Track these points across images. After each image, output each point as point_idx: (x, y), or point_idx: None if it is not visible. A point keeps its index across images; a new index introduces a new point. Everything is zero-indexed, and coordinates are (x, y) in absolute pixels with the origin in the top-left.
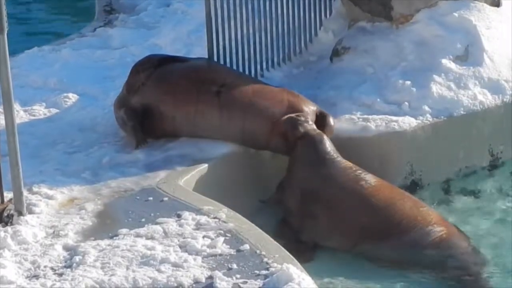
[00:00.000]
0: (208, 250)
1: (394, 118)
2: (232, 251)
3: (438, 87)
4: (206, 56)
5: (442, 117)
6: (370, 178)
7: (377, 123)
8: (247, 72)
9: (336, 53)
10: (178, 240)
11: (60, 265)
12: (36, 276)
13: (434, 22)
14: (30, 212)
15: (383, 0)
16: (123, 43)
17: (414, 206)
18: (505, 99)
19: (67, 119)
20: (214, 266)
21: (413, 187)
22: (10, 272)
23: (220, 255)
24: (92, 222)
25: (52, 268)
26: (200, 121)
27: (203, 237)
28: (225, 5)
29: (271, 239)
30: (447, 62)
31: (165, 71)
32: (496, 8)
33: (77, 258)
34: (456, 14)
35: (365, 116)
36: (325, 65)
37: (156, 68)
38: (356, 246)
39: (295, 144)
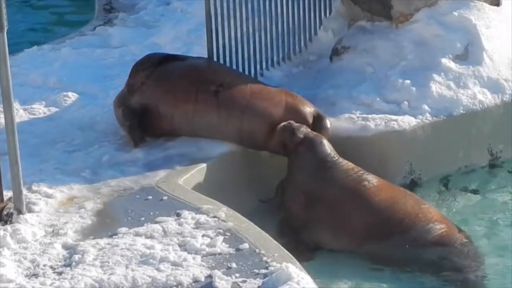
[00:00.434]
0: (207, 249)
1: (393, 117)
2: (231, 250)
3: (437, 86)
4: (206, 55)
5: (442, 116)
6: (371, 178)
7: (376, 122)
8: (246, 71)
9: (335, 53)
10: (178, 239)
11: (60, 264)
12: (36, 275)
13: (434, 21)
14: (30, 210)
15: None
16: (123, 42)
17: (416, 204)
18: (504, 99)
19: (66, 117)
20: (213, 265)
21: (412, 186)
22: (9, 271)
23: (219, 254)
24: (91, 221)
25: (51, 267)
26: (198, 120)
27: (203, 236)
28: (224, 4)
29: (270, 238)
30: (446, 62)
31: (165, 70)
32: (495, 7)
33: (76, 257)
34: (455, 14)
35: (365, 115)
36: (325, 65)
37: (156, 67)
38: (359, 246)
39: (295, 150)
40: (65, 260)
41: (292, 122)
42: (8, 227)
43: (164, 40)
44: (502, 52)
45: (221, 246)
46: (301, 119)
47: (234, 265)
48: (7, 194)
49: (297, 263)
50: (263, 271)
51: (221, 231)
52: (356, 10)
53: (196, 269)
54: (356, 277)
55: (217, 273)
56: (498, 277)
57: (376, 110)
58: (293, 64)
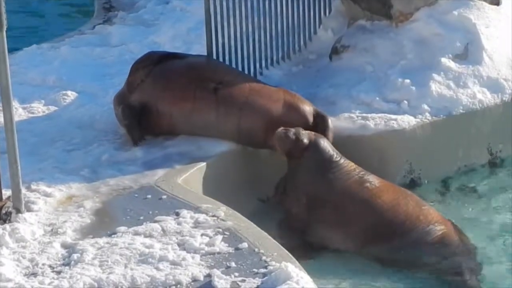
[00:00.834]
0: (206, 248)
1: (393, 116)
2: (231, 249)
3: (437, 85)
4: (205, 54)
5: (441, 115)
6: (373, 180)
7: (376, 121)
8: (246, 70)
9: (335, 52)
10: (177, 238)
11: (58, 263)
12: (34, 274)
13: (434, 20)
14: (29, 209)
15: None
16: (122, 40)
17: (417, 205)
18: (504, 98)
19: (65, 116)
20: (212, 264)
21: (412, 185)
22: (8, 270)
23: (219, 253)
24: (90, 220)
25: (50, 266)
26: (197, 118)
27: (202, 235)
28: (224, 3)
29: (270, 237)
30: (446, 61)
31: (164, 68)
32: (495, 6)
33: (75, 256)
34: (455, 13)
35: (364, 114)
36: (325, 64)
37: (155, 65)
38: (362, 248)
39: (301, 155)
40: (64, 259)
41: (288, 128)
42: (7, 226)
43: (163, 38)
44: (502, 52)
45: (220, 245)
46: (301, 117)
47: (233, 264)
48: (6, 193)
49: (297, 262)
50: (262, 270)
51: (220, 230)
52: (355, 9)
53: (195, 268)
54: (356, 278)
55: (216, 272)
56: (497, 278)
57: (376, 109)
58: (292, 63)
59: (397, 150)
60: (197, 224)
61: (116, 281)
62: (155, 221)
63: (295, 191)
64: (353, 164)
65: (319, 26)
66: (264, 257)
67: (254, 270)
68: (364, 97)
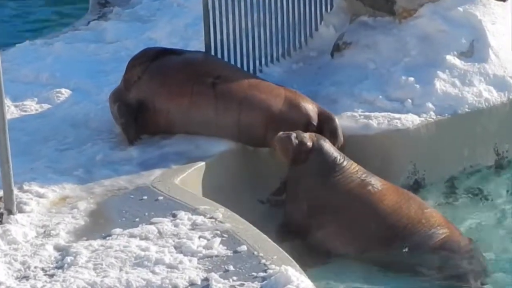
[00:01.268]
0: (204, 251)
1: (396, 115)
2: (229, 252)
3: (442, 83)
4: (203, 51)
5: (446, 114)
6: (375, 182)
7: (379, 120)
8: (245, 67)
9: (337, 48)
10: (173, 241)
11: (51, 266)
12: (26, 277)
13: (438, 16)
14: (21, 211)
15: None
16: (118, 37)
17: (419, 209)
18: (511, 96)
19: (59, 115)
20: (210, 267)
21: (416, 186)
22: None
23: (217, 256)
24: (84, 221)
25: (42, 269)
26: (195, 114)
27: (199, 237)
28: None
29: (269, 240)
30: (451, 58)
31: (161, 64)
32: (502, 2)
33: (68, 259)
34: (461, 9)
35: (367, 113)
36: (326, 61)
37: (152, 62)
38: (363, 252)
39: (307, 158)
40: (57, 262)
41: (288, 132)
42: None
43: (160, 35)
44: (508, 49)
45: (218, 248)
46: (303, 115)
47: (231, 267)
48: None
49: (297, 266)
50: (262, 274)
51: (219, 232)
52: (358, 5)
53: (192, 272)
54: (357, 282)
55: (214, 276)
56: (502, 283)
57: (379, 108)
58: (293, 60)
59: (400, 150)
60: (194, 226)
61: (110, 285)
62: (151, 223)
63: (295, 196)
64: (355, 165)
65: (320, 22)
66: (263, 260)
67: (253, 273)
68: (366, 95)
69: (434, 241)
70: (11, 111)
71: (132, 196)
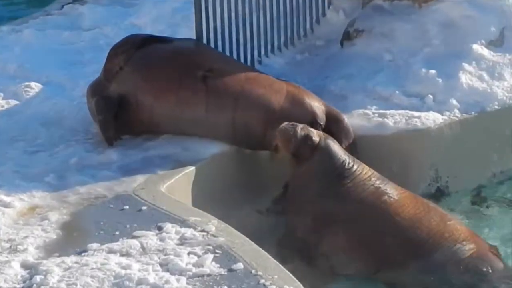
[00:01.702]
0: (194, 270)
1: (415, 113)
2: (223, 271)
3: (468, 77)
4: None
5: (473, 112)
6: (391, 191)
7: (395, 119)
8: (242, 58)
9: (347, 37)
10: (159, 258)
11: (18, 286)
12: None
13: (464, 0)
14: None
15: None
16: (96, 23)
17: (441, 221)
18: None
19: (28, 112)
20: None
21: (438, 195)
22: None
23: (209, 275)
24: (56, 235)
25: None
26: (183, 112)
27: (189, 254)
28: None
29: (269, 256)
30: (478, 48)
31: (146, 54)
32: None
33: (38, 278)
34: None
35: (382, 111)
36: (335, 51)
37: (136, 50)
38: (377, 272)
39: (311, 156)
40: (24, 282)
41: (294, 123)
42: None
43: (144, 21)
44: None
45: (211, 266)
46: (307, 113)
47: None
48: None
49: (301, 286)
50: None
51: (211, 248)
52: None
53: None
54: None
55: None
56: None
57: (395, 105)
58: (297, 50)
59: (420, 154)
60: (183, 241)
61: None
62: (134, 237)
63: (299, 207)
64: (368, 169)
65: (328, 7)
66: (262, 280)
67: None
68: (381, 90)
69: (459, 258)
70: None
71: (111, 206)
